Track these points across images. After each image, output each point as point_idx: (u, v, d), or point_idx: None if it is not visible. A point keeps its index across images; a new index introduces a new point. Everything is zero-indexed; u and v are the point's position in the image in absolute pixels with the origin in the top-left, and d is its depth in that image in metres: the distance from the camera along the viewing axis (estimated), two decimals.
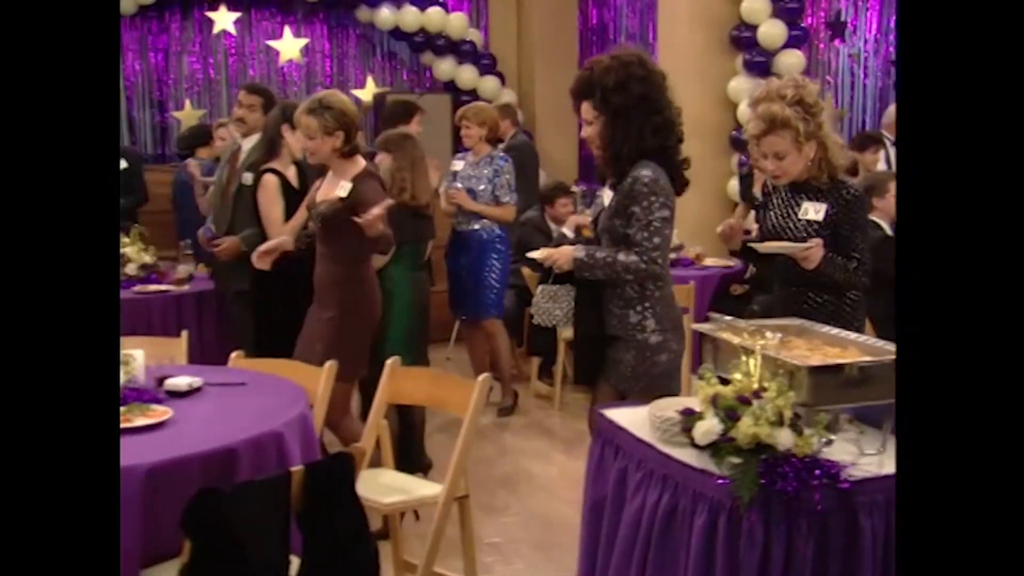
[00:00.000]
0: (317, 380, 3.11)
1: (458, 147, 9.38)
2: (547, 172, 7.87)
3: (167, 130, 8.80)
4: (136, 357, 2.84)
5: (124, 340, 2.73)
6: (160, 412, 2.63)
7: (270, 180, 4.12)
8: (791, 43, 6.72)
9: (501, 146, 5.89)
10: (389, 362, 3.21)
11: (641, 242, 2.88)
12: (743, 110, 6.47)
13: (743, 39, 6.80)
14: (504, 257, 5.34)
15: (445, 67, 8.80)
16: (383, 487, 3.04)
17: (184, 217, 6.64)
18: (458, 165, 5.44)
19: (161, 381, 2.92)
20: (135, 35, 8.58)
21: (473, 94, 8.79)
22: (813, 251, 2.87)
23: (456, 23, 8.71)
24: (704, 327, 2.63)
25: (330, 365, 3.13)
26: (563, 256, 2.99)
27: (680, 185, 3.04)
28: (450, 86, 8.88)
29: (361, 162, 3.79)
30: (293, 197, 4.13)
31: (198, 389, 2.92)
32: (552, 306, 3.22)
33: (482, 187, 5.27)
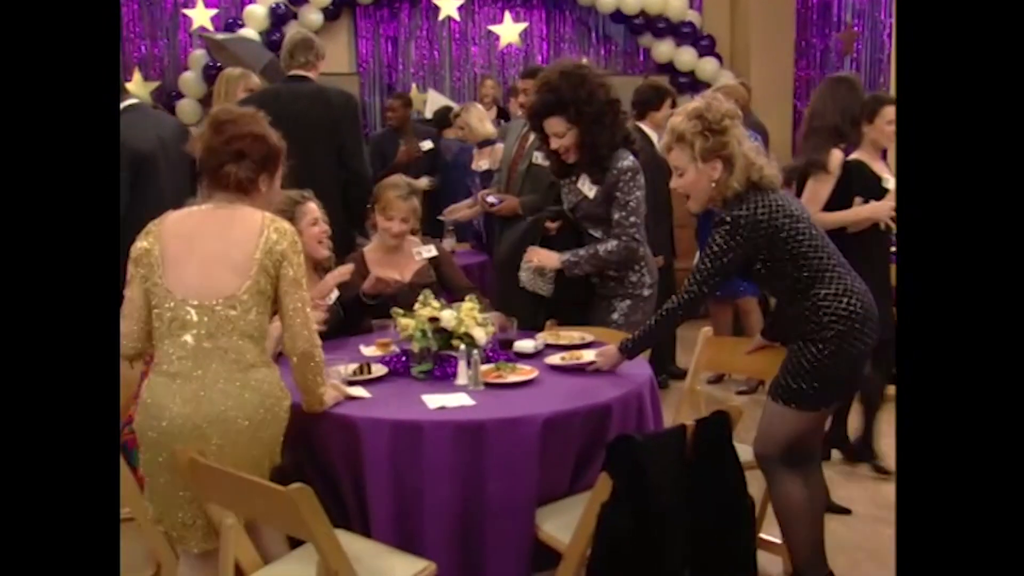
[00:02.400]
0: None
1: None
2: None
3: None
4: (493, 321, 3.11)
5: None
6: (527, 371, 2.88)
7: None
8: None
9: None
10: (703, 331, 3.37)
11: (621, 221, 3.46)
12: None
13: None
14: None
15: (664, 49, 8.87)
16: None
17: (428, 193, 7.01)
18: None
19: (505, 344, 3.19)
20: (369, 23, 9.05)
21: (691, 76, 8.85)
22: (599, 363, 2.94)
23: (676, 5, 8.77)
24: None
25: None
26: (548, 259, 3.49)
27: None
28: (667, 68, 8.95)
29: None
30: None
31: (540, 351, 3.18)
32: (539, 279, 3.64)
33: None
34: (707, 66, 8.81)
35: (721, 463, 2.41)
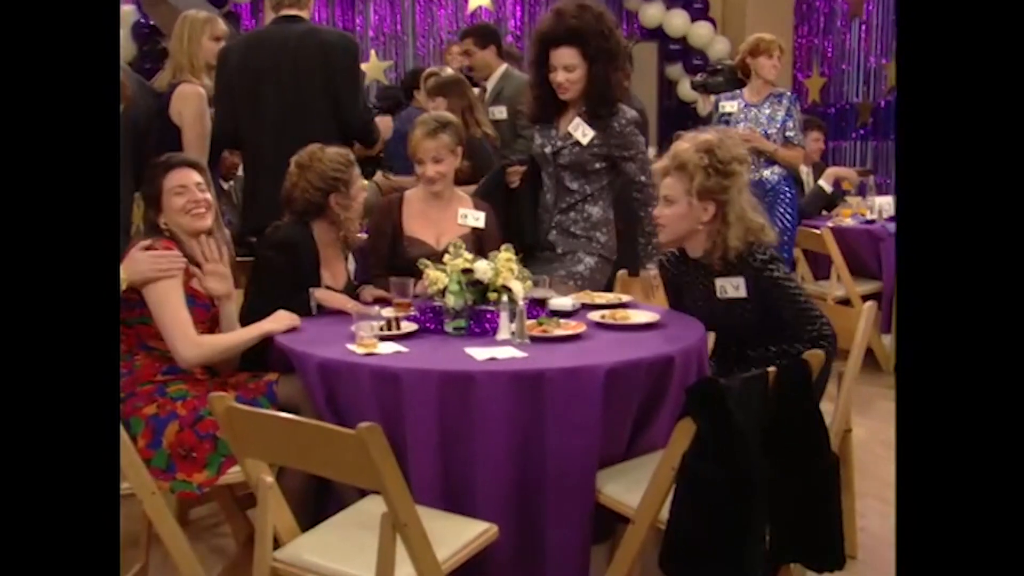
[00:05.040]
0: None
1: (662, 99, 9.61)
2: None
3: None
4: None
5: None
6: (573, 325, 2.93)
7: None
8: None
9: None
10: None
11: (637, 175, 3.73)
12: None
13: None
14: (793, 203, 5.46)
15: (652, 12, 8.99)
16: None
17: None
18: (731, 106, 5.59)
19: (539, 302, 3.23)
20: None
21: (683, 42, 8.97)
22: None
23: None
24: None
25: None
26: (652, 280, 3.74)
27: None
28: (656, 33, 9.07)
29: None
30: None
31: (578, 310, 3.23)
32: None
33: (774, 129, 5.42)
34: (700, 31, 8.95)
35: (802, 415, 2.46)
